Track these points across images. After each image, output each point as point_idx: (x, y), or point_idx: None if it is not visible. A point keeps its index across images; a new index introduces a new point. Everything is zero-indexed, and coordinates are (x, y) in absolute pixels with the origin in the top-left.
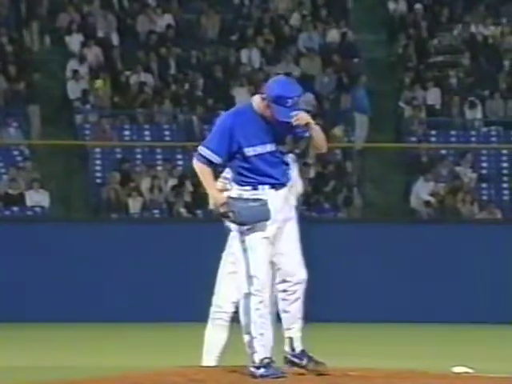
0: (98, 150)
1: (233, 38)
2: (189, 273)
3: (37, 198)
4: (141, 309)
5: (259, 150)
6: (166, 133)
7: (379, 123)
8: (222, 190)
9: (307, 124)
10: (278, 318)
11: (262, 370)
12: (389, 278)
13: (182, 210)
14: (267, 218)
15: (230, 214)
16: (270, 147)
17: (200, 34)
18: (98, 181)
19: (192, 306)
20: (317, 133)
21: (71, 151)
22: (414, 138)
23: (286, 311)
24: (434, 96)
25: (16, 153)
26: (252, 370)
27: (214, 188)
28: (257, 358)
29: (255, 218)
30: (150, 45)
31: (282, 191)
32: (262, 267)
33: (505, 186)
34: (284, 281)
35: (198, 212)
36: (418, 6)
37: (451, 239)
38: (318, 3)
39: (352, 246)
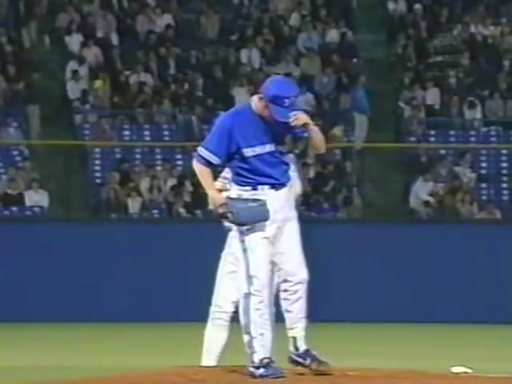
0: (97, 150)
1: (232, 38)
2: (188, 273)
3: (36, 198)
4: (140, 309)
5: (258, 150)
6: (166, 133)
7: (379, 123)
8: (221, 189)
9: (305, 124)
10: (279, 318)
11: (261, 370)
12: (388, 278)
13: (182, 210)
14: (266, 219)
15: (229, 215)
16: (269, 147)
17: (199, 33)
18: (98, 181)
19: (192, 305)
20: (316, 133)
21: (71, 151)
22: (413, 138)
23: (288, 311)
24: (433, 96)
25: (15, 153)
26: (251, 369)
27: (213, 188)
28: (256, 358)
29: (254, 218)
30: (150, 45)
31: (282, 191)
32: (262, 267)
33: (504, 186)
34: (285, 280)
35: (198, 212)
36: (417, 6)
37: (450, 239)
38: (317, 3)
39: (351, 246)
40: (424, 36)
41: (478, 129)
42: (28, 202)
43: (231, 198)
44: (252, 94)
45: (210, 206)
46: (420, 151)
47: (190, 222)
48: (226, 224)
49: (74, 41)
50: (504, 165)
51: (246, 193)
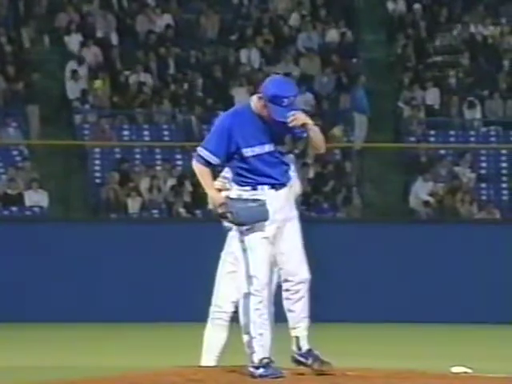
0: (97, 149)
1: (232, 38)
2: (188, 273)
3: (36, 198)
4: (140, 309)
5: (257, 150)
6: (165, 133)
7: (378, 123)
8: (221, 189)
9: (304, 124)
10: (280, 318)
11: (261, 370)
12: (388, 278)
13: (182, 210)
14: (266, 219)
15: (229, 215)
16: (268, 147)
17: (199, 33)
18: (97, 181)
19: (191, 305)
20: (315, 133)
21: (70, 151)
22: (412, 138)
23: (290, 310)
24: (433, 96)
25: (15, 153)
26: (251, 369)
27: (212, 188)
28: (256, 358)
29: (253, 218)
30: (150, 45)
31: (283, 191)
32: (262, 267)
33: (504, 186)
34: (286, 280)
35: (198, 212)
36: (417, 5)
37: (450, 239)
38: (317, 3)
39: (351, 246)
40: (424, 36)
41: (478, 129)
42: (28, 202)
43: (231, 198)
44: (252, 94)
45: (210, 206)
46: (420, 151)
47: (190, 222)
48: (226, 224)
49: (73, 41)
50: (504, 165)
51: (246, 193)
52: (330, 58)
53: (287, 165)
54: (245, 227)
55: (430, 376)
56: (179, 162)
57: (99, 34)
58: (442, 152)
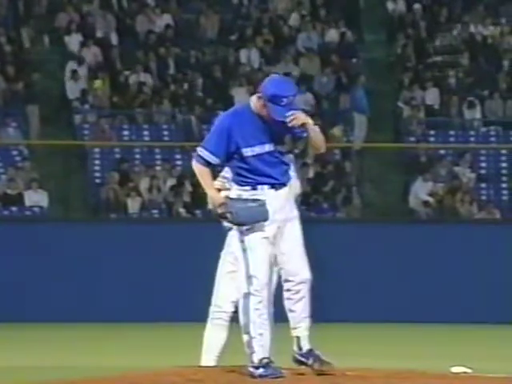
0: (96, 149)
1: (232, 38)
2: (188, 273)
3: (35, 198)
4: (140, 309)
5: (257, 150)
6: (165, 133)
7: (378, 123)
8: (220, 189)
9: (304, 124)
10: (281, 318)
11: (260, 370)
12: (388, 278)
13: (181, 210)
14: (265, 219)
15: (228, 215)
16: (268, 147)
17: (199, 33)
18: (97, 181)
19: (191, 305)
20: (315, 133)
21: (70, 151)
22: (412, 138)
23: (291, 310)
24: (432, 96)
25: (15, 153)
26: (251, 369)
27: (212, 188)
28: (255, 358)
29: (253, 218)
30: (149, 45)
31: (283, 191)
32: (262, 267)
33: (504, 186)
34: (287, 280)
35: (197, 212)
36: (416, 5)
37: (450, 239)
38: (316, 3)
39: (351, 246)
40: (423, 36)
41: (478, 129)
42: (27, 202)
43: (230, 198)
44: (251, 94)
45: (210, 206)
46: (419, 151)
47: (190, 222)
48: (226, 224)
49: (73, 41)
50: (503, 165)
51: (246, 193)
52: (330, 57)
53: (287, 164)
54: (245, 227)
55: (430, 376)
56: (179, 162)
57: (99, 34)
58: (442, 152)
